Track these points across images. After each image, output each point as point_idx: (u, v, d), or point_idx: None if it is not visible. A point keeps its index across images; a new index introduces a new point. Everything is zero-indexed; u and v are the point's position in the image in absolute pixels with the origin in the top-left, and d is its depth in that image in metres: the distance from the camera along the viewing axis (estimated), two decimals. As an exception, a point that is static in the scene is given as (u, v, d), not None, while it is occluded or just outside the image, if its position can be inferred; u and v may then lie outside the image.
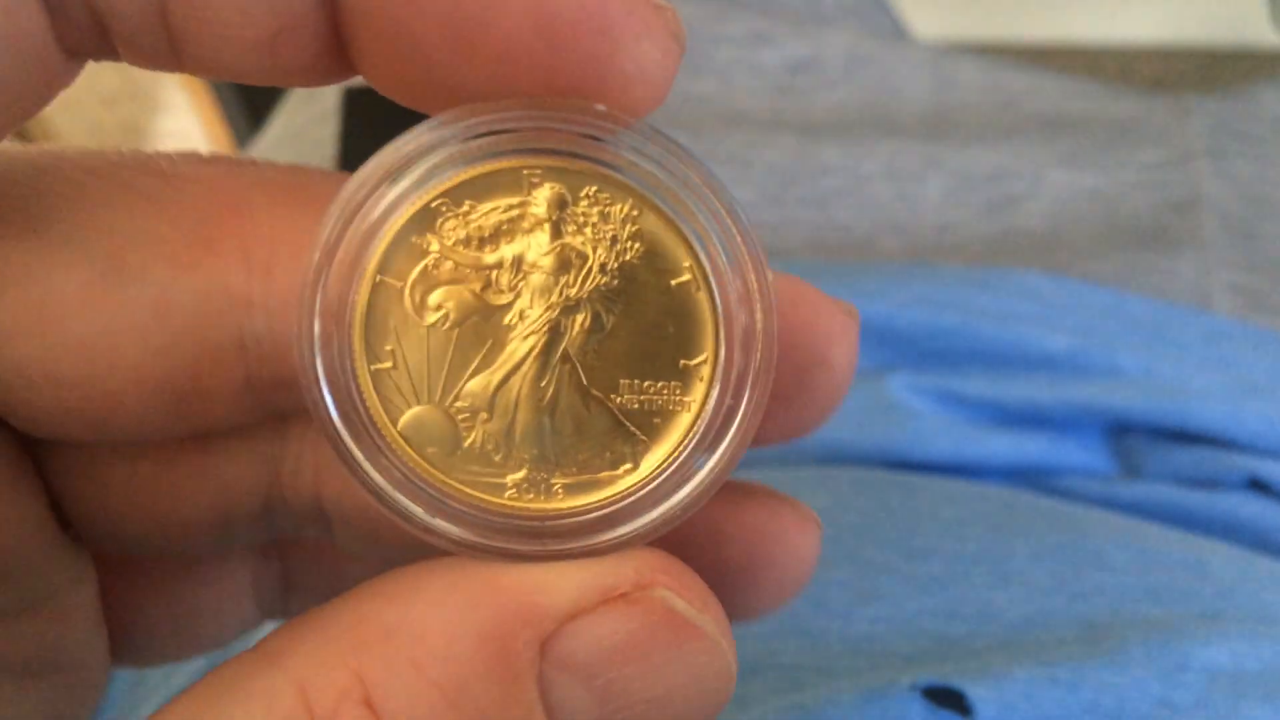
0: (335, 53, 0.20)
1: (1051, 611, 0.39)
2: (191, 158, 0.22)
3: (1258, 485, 0.49)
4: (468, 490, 0.21)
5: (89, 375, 0.21)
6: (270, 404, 0.23)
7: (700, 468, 0.21)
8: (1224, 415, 0.49)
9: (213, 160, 0.22)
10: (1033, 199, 0.62)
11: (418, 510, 0.21)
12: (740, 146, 0.64)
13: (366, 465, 0.21)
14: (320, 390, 0.21)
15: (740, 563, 0.25)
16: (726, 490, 0.23)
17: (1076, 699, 0.34)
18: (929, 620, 0.38)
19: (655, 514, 0.21)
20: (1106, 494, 0.49)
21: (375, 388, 0.21)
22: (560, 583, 0.20)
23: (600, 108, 0.20)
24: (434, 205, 0.20)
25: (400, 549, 0.25)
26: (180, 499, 0.24)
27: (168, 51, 0.20)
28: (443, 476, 0.21)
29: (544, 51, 0.19)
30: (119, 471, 0.23)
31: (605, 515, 0.22)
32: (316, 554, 0.28)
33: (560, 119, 0.20)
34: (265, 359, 0.22)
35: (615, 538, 0.21)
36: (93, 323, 0.20)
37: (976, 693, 0.34)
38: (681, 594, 0.20)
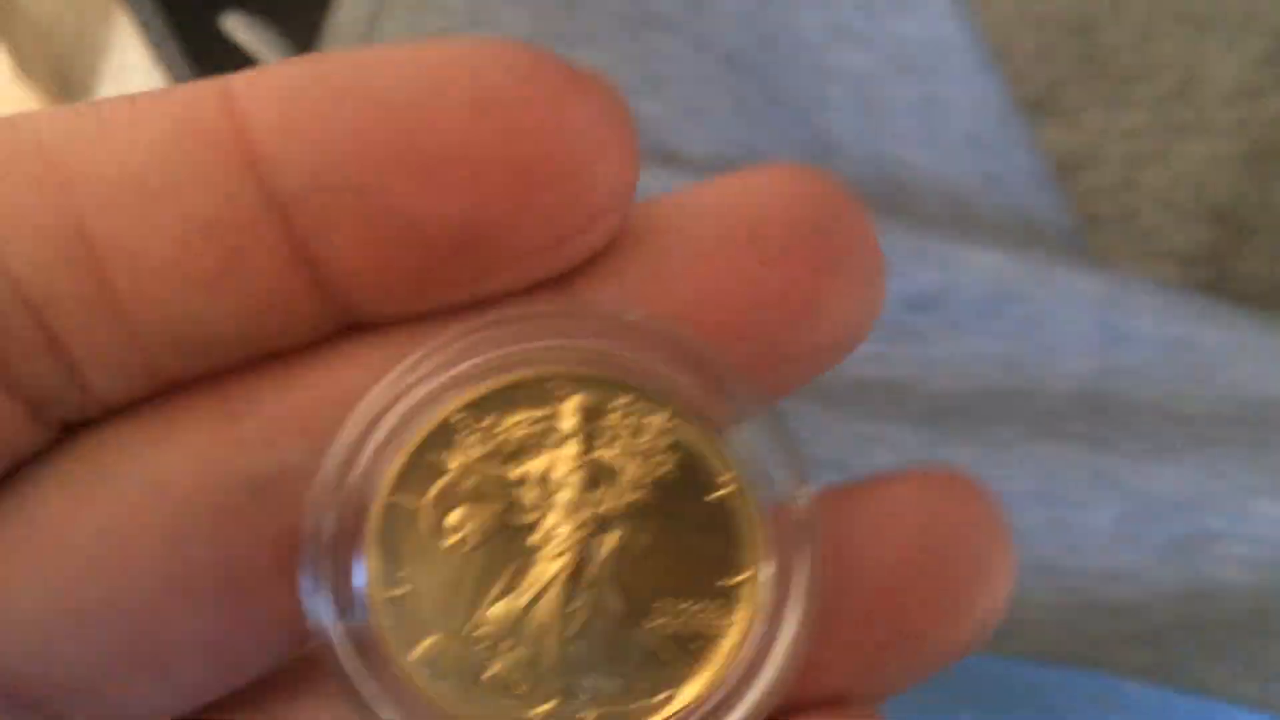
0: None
1: None
2: None
3: None
4: None
5: None
6: None
7: (745, 695, 0.20)
8: None
9: None
10: (1232, 540, 0.44)
11: None
12: (840, 441, 0.46)
13: (376, 702, 0.19)
14: (329, 623, 0.19)
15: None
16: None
17: None
18: None
19: None
20: None
21: (390, 616, 0.19)
22: None
23: (631, 316, 0.19)
24: (453, 421, 0.19)
25: None
26: None
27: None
28: (464, 713, 0.19)
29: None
30: None
31: None
32: None
33: (591, 327, 0.19)
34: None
35: None
36: None
37: None
38: None
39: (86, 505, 0.19)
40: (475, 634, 0.19)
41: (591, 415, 0.19)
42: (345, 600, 0.19)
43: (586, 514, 0.19)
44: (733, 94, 0.49)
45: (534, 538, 0.19)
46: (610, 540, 0.19)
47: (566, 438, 0.19)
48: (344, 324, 0.19)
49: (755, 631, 0.19)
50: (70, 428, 0.20)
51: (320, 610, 0.19)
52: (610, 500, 0.19)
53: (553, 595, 0.19)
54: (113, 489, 0.19)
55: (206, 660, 0.20)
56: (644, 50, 0.47)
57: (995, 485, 0.44)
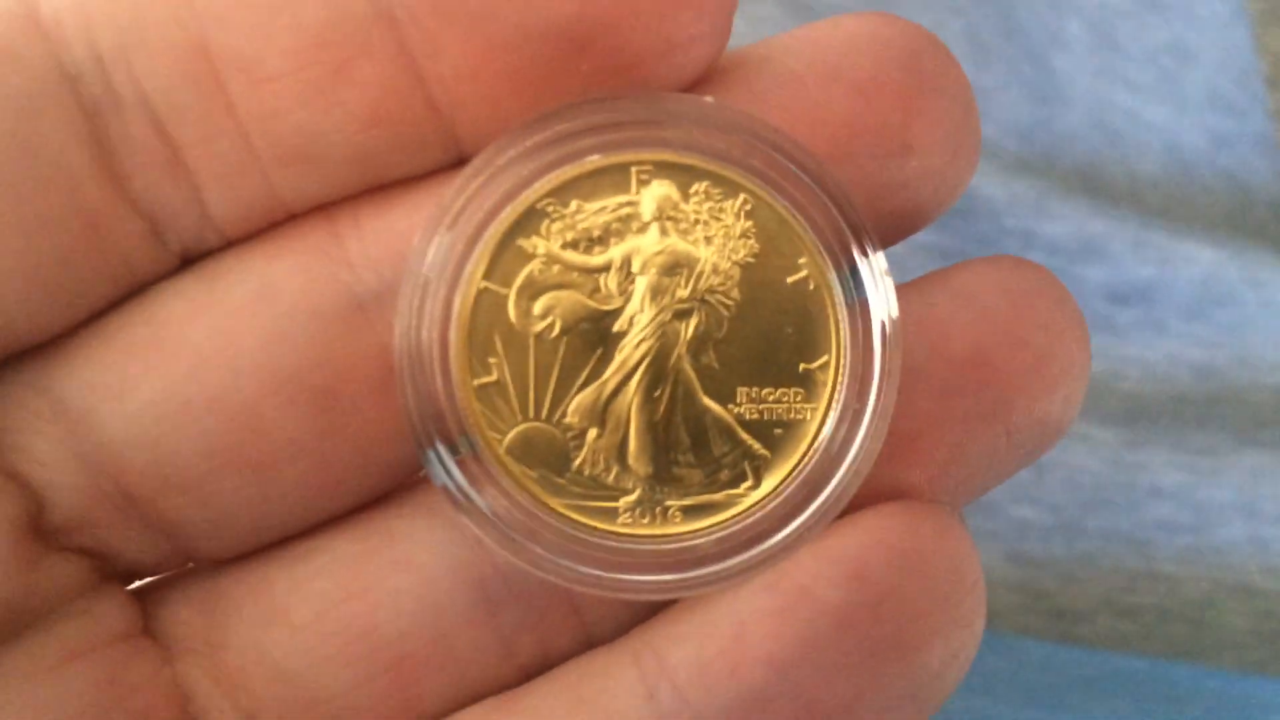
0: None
1: None
2: None
3: None
4: (578, 517, 0.20)
5: None
6: None
7: (825, 481, 0.20)
8: None
9: None
10: None
11: (528, 543, 0.20)
12: None
13: (469, 490, 0.20)
14: (420, 407, 0.20)
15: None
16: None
17: None
18: None
19: (779, 537, 0.20)
20: None
21: (480, 404, 0.20)
22: None
23: (709, 100, 0.19)
24: (540, 206, 0.20)
25: None
26: None
27: None
28: (553, 501, 0.20)
29: None
30: None
31: (724, 540, 0.20)
32: None
33: (669, 112, 0.19)
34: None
35: (735, 565, 0.20)
36: None
37: None
38: None
39: (200, 308, 0.20)
40: (564, 422, 0.20)
41: (672, 201, 0.20)
42: (439, 387, 0.20)
43: (667, 299, 0.20)
44: (968, 21, 0.46)
45: (618, 324, 0.20)
46: (692, 325, 0.20)
47: (648, 224, 0.20)
48: (450, 155, 0.20)
49: (835, 417, 0.20)
50: (189, 260, 0.21)
51: (412, 397, 0.20)
52: (691, 285, 0.20)
53: (637, 382, 0.20)
54: (225, 294, 0.20)
55: (303, 465, 0.20)
56: None
57: (1197, 493, 0.43)
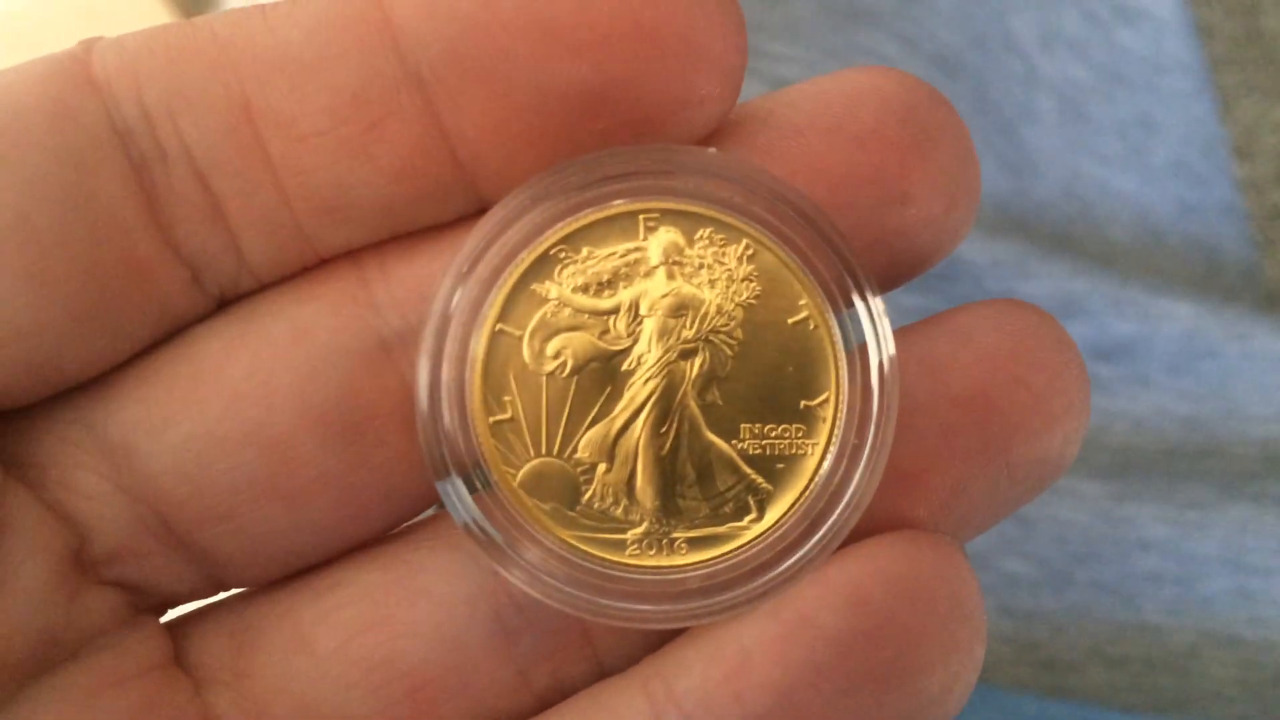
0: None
1: None
2: None
3: None
4: (588, 549, 0.21)
5: None
6: None
7: (826, 514, 0.21)
8: None
9: None
10: None
11: (541, 574, 0.20)
12: None
13: (485, 524, 0.20)
14: (439, 444, 0.20)
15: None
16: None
17: None
18: None
19: (781, 568, 0.20)
20: None
21: (495, 440, 0.21)
22: None
23: (712, 151, 0.21)
24: (552, 252, 0.21)
25: None
26: None
27: None
28: (564, 534, 0.21)
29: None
30: None
31: (729, 571, 0.21)
32: None
33: (675, 162, 0.21)
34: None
35: (739, 595, 0.20)
36: None
37: None
38: None
39: (238, 348, 0.21)
40: (574, 457, 0.21)
41: (678, 246, 0.21)
42: (456, 425, 0.21)
43: (674, 340, 0.21)
44: None
45: (626, 364, 0.21)
46: (697, 364, 0.21)
47: (655, 268, 0.21)
48: (472, 206, 0.21)
49: (835, 452, 0.21)
50: (226, 303, 0.22)
51: (433, 435, 0.20)
52: (696, 326, 0.21)
53: (644, 419, 0.21)
54: (261, 335, 0.21)
55: (333, 496, 0.21)
56: (848, 45, 0.46)
57: (1183, 545, 0.44)
